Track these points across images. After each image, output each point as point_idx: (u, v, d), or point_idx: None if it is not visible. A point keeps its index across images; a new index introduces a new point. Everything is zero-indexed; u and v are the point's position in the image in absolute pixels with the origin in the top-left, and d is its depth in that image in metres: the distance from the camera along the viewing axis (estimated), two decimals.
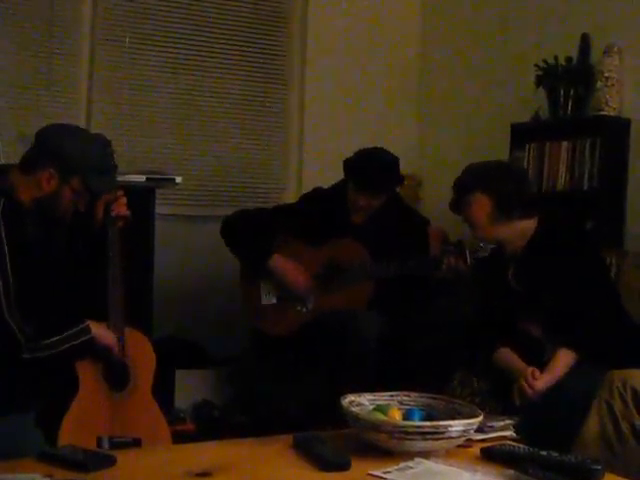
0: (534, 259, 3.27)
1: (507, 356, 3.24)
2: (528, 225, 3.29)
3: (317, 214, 4.04)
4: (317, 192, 4.23)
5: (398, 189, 4.24)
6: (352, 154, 4.04)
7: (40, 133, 2.77)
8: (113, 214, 2.97)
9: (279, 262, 3.90)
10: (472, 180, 3.29)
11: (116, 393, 2.93)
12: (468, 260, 3.59)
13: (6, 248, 2.49)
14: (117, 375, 2.94)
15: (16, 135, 4.32)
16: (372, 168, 3.94)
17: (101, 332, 2.82)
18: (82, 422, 2.83)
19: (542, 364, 3.13)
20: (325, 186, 4.19)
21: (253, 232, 3.95)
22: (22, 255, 2.53)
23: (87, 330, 2.74)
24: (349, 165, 4.01)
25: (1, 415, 2.52)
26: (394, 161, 4.00)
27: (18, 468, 2.07)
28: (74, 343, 2.69)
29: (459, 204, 3.34)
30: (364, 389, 3.55)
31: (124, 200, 2.99)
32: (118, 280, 2.97)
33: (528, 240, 3.29)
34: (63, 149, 2.68)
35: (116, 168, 2.91)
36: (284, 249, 3.94)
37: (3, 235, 2.50)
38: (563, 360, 3.11)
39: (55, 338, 2.62)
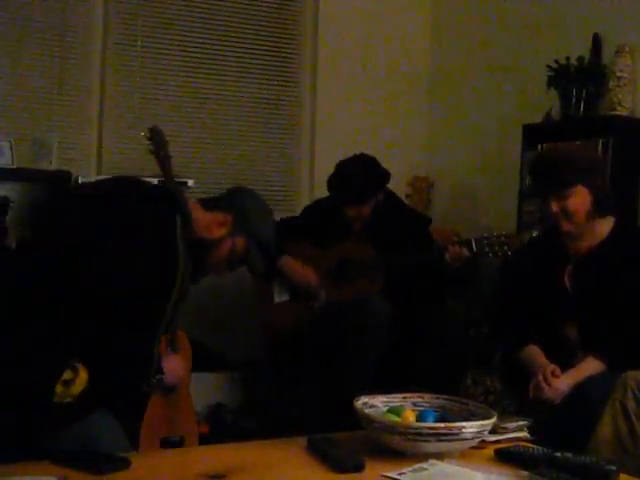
0: (601, 260, 3.11)
1: (534, 353, 3.12)
2: (606, 224, 3.14)
3: (320, 225, 4.14)
4: (317, 204, 4.39)
5: (397, 190, 4.32)
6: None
7: (235, 188, 2.88)
8: None
9: (288, 262, 4.01)
10: (575, 172, 3.03)
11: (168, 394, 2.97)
12: (474, 248, 3.58)
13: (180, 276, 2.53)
14: None
15: (28, 139, 4.34)
16: (346, 181, 4.01)
17: (172, 381, 2.86)
18: (148, 424, 2.89)
19: (569, 368, 3.02)
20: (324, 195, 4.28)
21: None
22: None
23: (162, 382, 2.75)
24: (328, 182, 4.11)
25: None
26: (368, 166, 4.05)
27: (33, 471, 2.08)
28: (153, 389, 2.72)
29: (556, 189, 3.05)
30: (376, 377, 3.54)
31: None
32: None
33: (602, 240, 3.13)
34: (249, 208, 2.71)
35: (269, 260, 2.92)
36: (294, 252, 4.04)
37: (180, 256, 2.51)
38: (589, 367, 3.00)
39: (155, 379, 2.63)
